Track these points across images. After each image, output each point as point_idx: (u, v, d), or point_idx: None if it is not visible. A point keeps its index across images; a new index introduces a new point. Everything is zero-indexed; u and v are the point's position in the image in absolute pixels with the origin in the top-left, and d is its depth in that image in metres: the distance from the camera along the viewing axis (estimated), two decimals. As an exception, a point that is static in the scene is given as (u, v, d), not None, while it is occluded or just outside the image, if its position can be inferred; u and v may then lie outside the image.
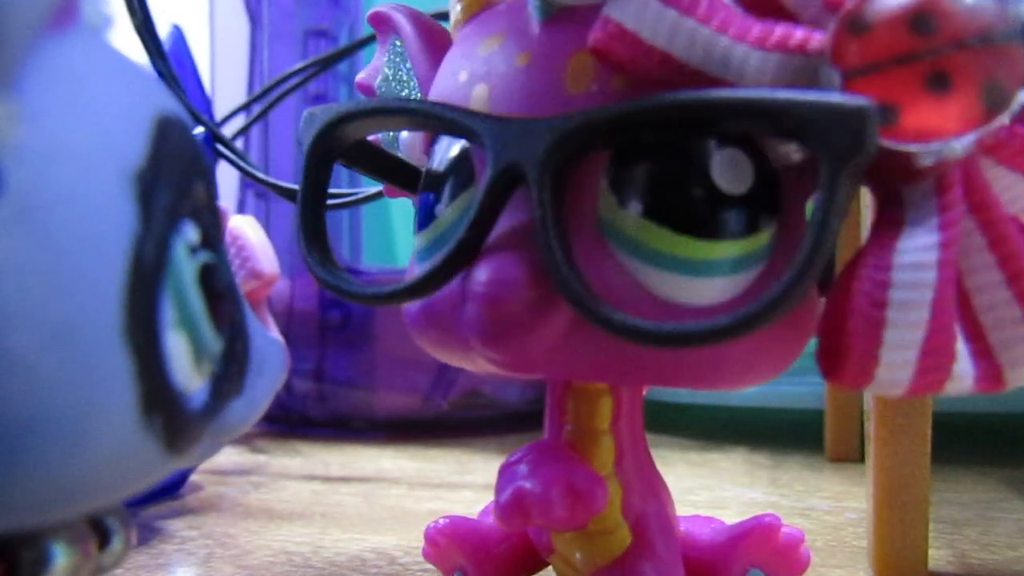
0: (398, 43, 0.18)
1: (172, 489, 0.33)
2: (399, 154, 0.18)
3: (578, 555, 0.16)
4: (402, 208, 0.53)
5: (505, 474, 0.15)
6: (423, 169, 0.16)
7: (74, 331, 0.09)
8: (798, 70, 0.12)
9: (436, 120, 0.14)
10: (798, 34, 0.12)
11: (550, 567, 0.18)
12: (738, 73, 0.12)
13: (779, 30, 0.12)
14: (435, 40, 0.17)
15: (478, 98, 0.14)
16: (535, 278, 0.13)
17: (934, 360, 0.12)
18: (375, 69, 0.18)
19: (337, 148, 0.16)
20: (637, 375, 0.14)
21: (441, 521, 0.19)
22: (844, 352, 0.12)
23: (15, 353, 0.09)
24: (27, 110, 0.09)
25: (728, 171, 0.13)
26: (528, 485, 0.14)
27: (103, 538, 0.12)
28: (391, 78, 0.18)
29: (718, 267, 0.13)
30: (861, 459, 0.32)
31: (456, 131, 0.14)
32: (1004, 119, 0.12)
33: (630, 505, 0.16)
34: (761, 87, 0.12)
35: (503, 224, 0.14)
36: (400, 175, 0.17)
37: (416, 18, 0.18)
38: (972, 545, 0.26)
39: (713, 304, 0.13)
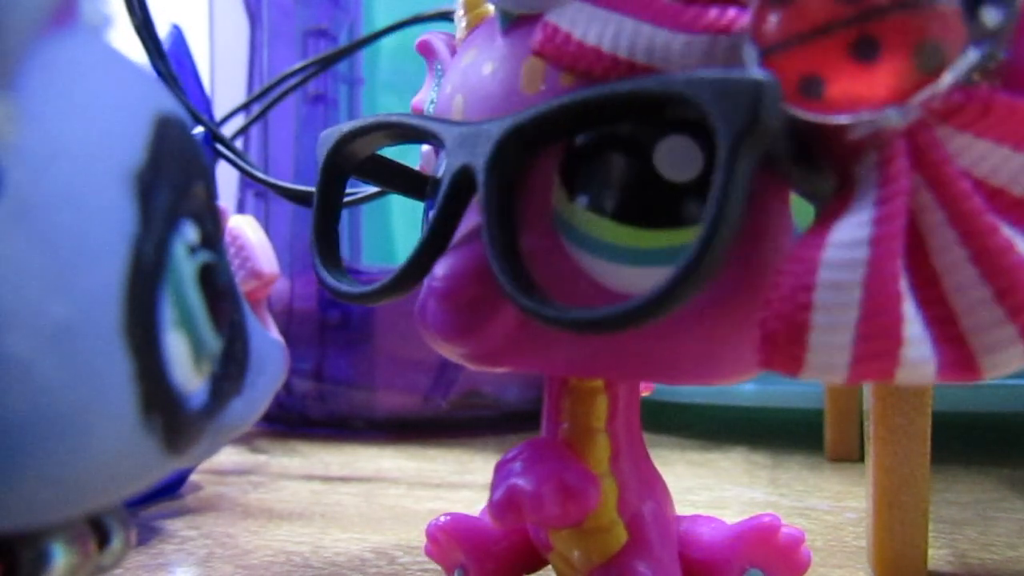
0: (438, 67, 0.19)
1: (172, 489, 0.33)
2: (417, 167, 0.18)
3: (575, 553, 0.16)
4: (402, 208, 0.53)
5: (500, 471, 0.15)
6: None
7: (73, 331, 0.09)
8: (724, 51, 0.12)
9: (412, 131, 0.15)
10: (730, 14, 0.12)
11: (550, 565, 0.18)
12: (664, 60, 0.12)
13: (711, 13, 0.12)
14: None
15: (456, 108, 0.15)
16: (482, 275, 0.13)
17: (874, 345, 0.11)
18: (425, 93, 0.19)
19: (348, 164, 0.16)
20: (592, 367, 0.14)
21: (442, 518, 0.19)
22: (771, 337, 0.11)
23: (14, 353, 0.09)
24: (27, 110, 0.09)
25: (674, 159, 0.13)
26: (521, 482, 0.15)
27: (103, 538, 0.12)
28: (434, 101, 0.19)
29: (664, 256, 0.13)
30: (861, 459, 0.32)
31: (427, 140, 0.15)
32: (947, 82, 0.11)
33: (626, 503, 0.16)
34: (659, 75, 0.12)
35: (465, 224, 0.14)
36: (414, 185, 0.18)
37: (452, 43, 0.18)
38: (972, 545, 0.26)
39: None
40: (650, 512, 0.16)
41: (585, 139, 0.13)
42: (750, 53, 0.12)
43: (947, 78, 0.11)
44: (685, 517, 0.19)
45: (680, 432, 0.47)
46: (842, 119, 0.11)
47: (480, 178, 0.13)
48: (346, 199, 0.33)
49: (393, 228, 0.53)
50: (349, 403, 0.50)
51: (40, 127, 0.09)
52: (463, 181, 0.14)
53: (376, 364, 0.50)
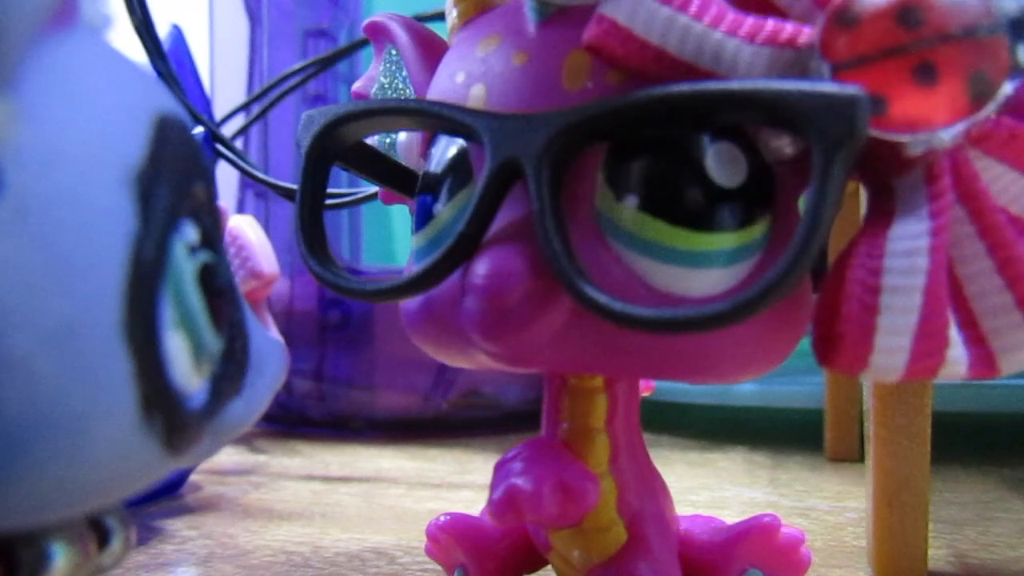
0: (394, 52, 0.18)
1: (172, 489, 0.33)
2: (396, 158, 0.18)
3: (575, 552, 0.16)
4: (402, 208, 0.53)
5: (500, 471, 0.15)
6: (420, 172, 0.16)
7: (73, 331, 0.09)
8: (788, 63, 0.12)
9: (435, 119, 0.15)
10: (788, 29, 0.12)
11: (550, 565, 0.18)
12: (730, 67, 0.12)
13: (769, 25, 0.12)
14: (430, 48, 0.18)
15: (476, 97, 0.15)
16: (535, 270, 0.13)
17: (928, 345, 0.12)
18: (371, 78, 0.19)
19: (336, 149, 0.16)
20: (635, 367, 0.14)
21: (443, 518, 0.19)
22: (839, 338, 0.12)
23: (14, 353, 0.09)
24: (27, 110, 0.09)
25: (722, 164, 0.13)
26: (520, 482, 0.15)
27: (103, 538, 0.12)
28: (387, 86, 0.18)
29: (713, 258, 0.13)
30: (861, 459, 0.32)
31: (454, 129, 0.14)
32: (989, 111, 0.12)
33: (626, 503, 0.16)
34: (755, 78, 0.12)
35: (502, 219, 0.14)
36: (397, 178, 0.18)
37: (411, 27, 0.18)
38: (972, 545, 0.26)
39: (708, 295, 0.13)
40: (650, 512, 0.16)
41: (635, 140, 0.13)
42: (821, 69, 0.12)
43: (990, 107, 0.12)
44: (685, 517, 0.19)
45: (680, 432, 0.47)
46: (904, 137, 0.12)
47: (531, 170, 0.13)
48: (346, 199, 0.33)
49: (393, 228, 0.53)
50: (349, 403, 0.50)
51: (40, 127, 0.09)
52: (508, 172, 0.13)
53: (376, 364, 0.50)
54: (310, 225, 0.16)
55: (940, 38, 0.11)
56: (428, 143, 0.16)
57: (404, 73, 0.18)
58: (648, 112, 0.13)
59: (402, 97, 0.18)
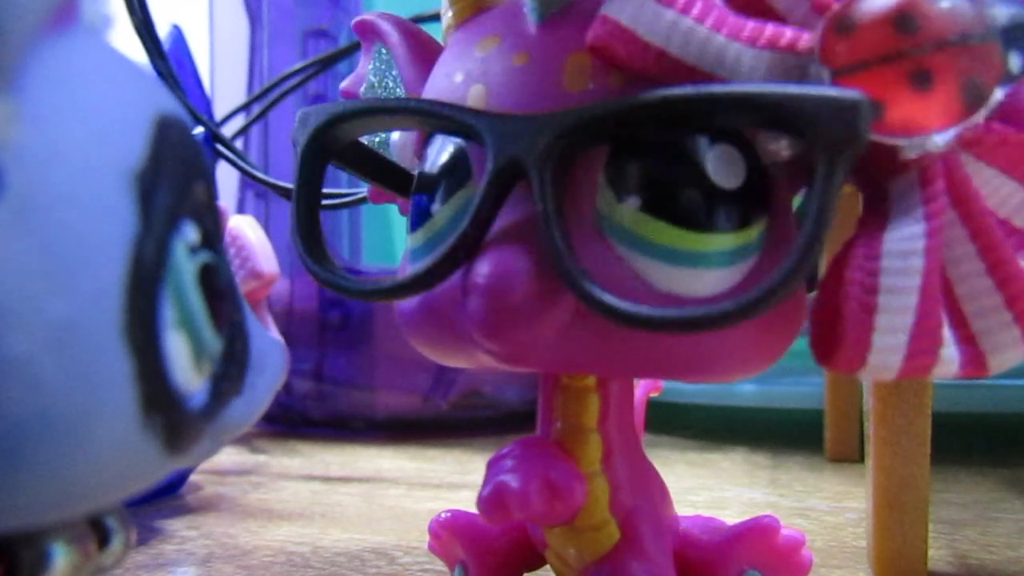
0: (383, 51, 0.18)
1: (172, 489, 0.33)
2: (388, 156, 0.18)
3: (570, 551, 0.16)
4: (402, 208, 0.53)
5: (491, 468, 0.15)
6: (415, 172, 0.16)
7: (74, 331, 0.09)
8: (789, 68, 0.12)
9: (435, 118, 0.15)
10: (788, 34, 0.13)
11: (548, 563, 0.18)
12: (732, 70, 0.13)
13: (769, 29, 0.13)
14: (423, 48, 0.18)
15: (475, 98, 0.15)
16: (538, 270, 0.13)
17: (923, 344, 0.12)
18: (359, 77, 0.19)
19: (332, 148, 0.16)
20: (635, 367, 0.14)
21: (444, 515, 0.19)
22: (838, 338, 0.13)
23: (15, 353, 0.09)
24: (27, 110, 0.09)
25: (722, 166, 0.13)
26: (508, 479, 0.15)
27: (103, 538, 0.12)
28: (376, 86, 0.18)
29: (713, 259, 0.13)
30: (861, 459, 0.32)
31: (455, 128, 0.14)
32: (981, 116, 0.12)
33: (619, 502, 0.16)
34: (759, 82, 0.12)
35: (503, 219, 0.14)
36: (392, 178, 0.18)
37: (402, 26, 0.18)
38: (972, 545, 0.26)
39: (708, 295, 0.13)
40: (644, 511, 0.16)
41: (636, 141, 0.13)
42: (821, 74, 0.12)
43: (982, 113, 0.12)
44: (685, 517, 0.19)
45: (680, 432, 0.47)
46: (900, 141, 0.12)
47: (534, 170, 0.13)
48: (346, 199, 0.33)
49: (393, 228, 0.53)
50: (349, 403, 0.50)
51: (40, 127, 0.09)
52: (510, 173, 0.13)
53: (376, 364, 0.50)
54: (307, 224, 0.15)
55: (936, 45, 0.12)
56: (424, 143, 0.16)
57: (395, 72, 0.18)
58: (652, 114, 0.13)
59: (393, 96, 0.18)
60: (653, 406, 0.22)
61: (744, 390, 0.46)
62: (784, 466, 0.39)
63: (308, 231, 0.15)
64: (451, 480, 0.36)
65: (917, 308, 0.12)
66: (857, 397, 0.38)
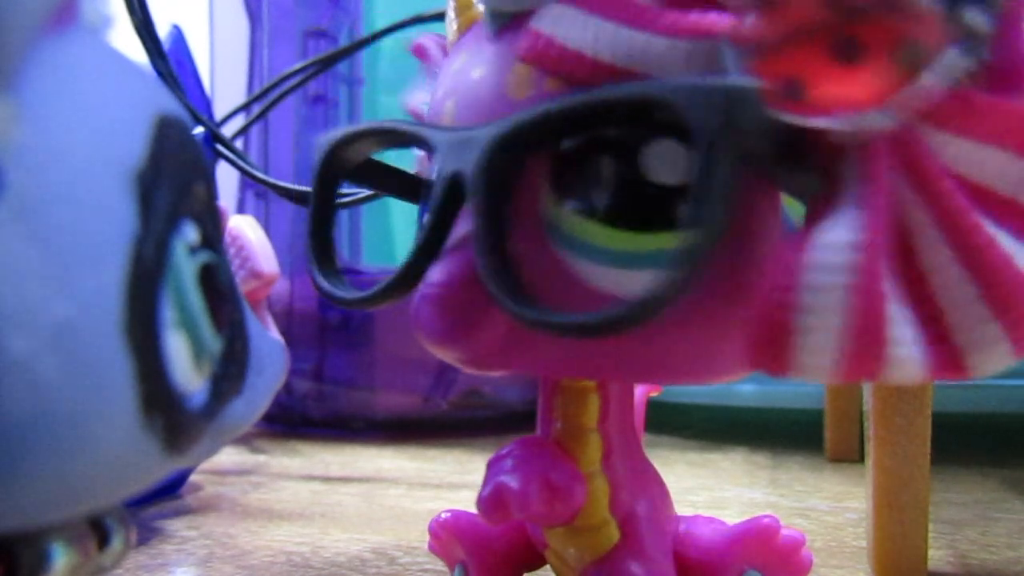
0: (433, 71, 0.18)
1: (172, 489, 0.33)
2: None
3: (570, 551, 0.16)
4: (402, 208, 0.53)
5: (491, 469, 0.16)
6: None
7: (74, 331, 0.09)
8: (706, 55, 0.12)
9: (402, 137, 0.15)
10: (710, 18, 0.12)
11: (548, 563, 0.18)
12: (644, 64, 0.12)
13: (691, 18, 0.12)
14: None
15: (448, 112, 0.15)
16: (476, 279, 0.13)
17: (858, 345, 0.11)
18: (421, 96, 0.19)
19: (343, 169, 0.16)
20: (583, 369, 0.14)
21: (444, 515, 0.19)
22: (758, 338, 0.12)
23: (15, 353, 0.09)
24: (27, 110, 0.09)
25: (661, 163, 0.13)
26: (508, 480, 0.15)
27: (103, 538, 0.12)
28: (429, 104, 0.19)
29: (652, 259, 0.13)
30: (861, 459, 0.32)
31: (418, 145, 0.15)
32: (929, 83, 0.11)
33: (619, 502, 0.16)
34: (638, 80, 0.12)
35: (458, 230, 0.14)
36: (408, 188, 0.18)
37: (444, 47, 0.18)
38: (972, 545, 0.26)
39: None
40: (643, 511, 0.16)
41: (573, 144, 0.13)
42: (731, 57, 0.12)
43: (928, 79, 0.11)
44: (685, 517, 0.19)
45: (680, 432, 0.47)
46: (822, 122, 0.11)
47: (470, 185, 0.13)
48: (345, 199, 0.33)
49: (393, 228, 0.53)
50: (349, 403, 0.50)
51: (40, 127, 0.09)
52: (454, 187, 0.14)
53: (376, 364, 0.50)
54: (320, 241, 0.16)
55: (861, 10, 0.11)
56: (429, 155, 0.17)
57: None
58: (559, 120, 0.13)
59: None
60: (653, 406, 0.22)
61: (744, 390, 0.46)
62: (784, 466, 0.39)
63: (320, 246, 0.16)
64: (451, 480, 0.36)
65: (845, 305, 0.11)
66: (857, 397, 0.38)
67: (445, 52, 0.18)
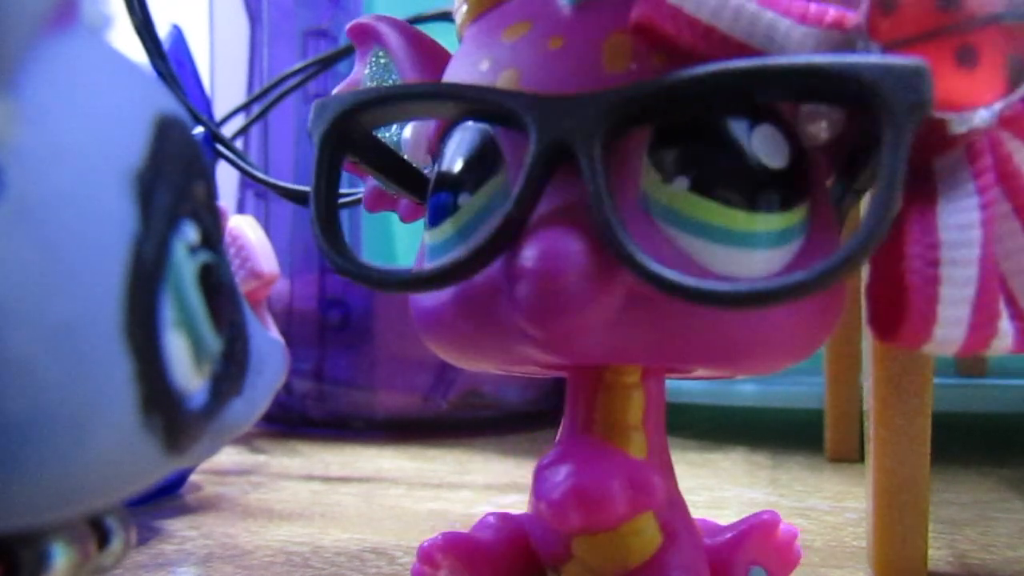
0: (381, 54, 0.18)
1: (172, 489, 0.33)
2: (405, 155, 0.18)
3: (604, 559, 0.15)
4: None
5: (546, 474, 0.14)
6: (426, 170, 0.16)
7: (74, 331, 0.09)
8: (837, 44, 0.13)
9: (469, 102, 0.14)
10: (832, 11, 0.13)
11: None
12: (782, 46, 0.13)
13: (813, 7, 0.13)
14: (425, 49, 0.17)
15: (507, 82, 0.14)
16: (590, 250, 0.13)
17: (984, 316, 0.12)
18: (355, 82, 0.18)
19: (351, 138, 0.15)
20: (686, 355, 0.14)
21: (439, 538, 0.18)
22: (904, 311, 0.13)
23: (15, 353, 0.09)
24: (27, 110, 0.09)
25: (767, 146, 0.13)
26: (585, 481, 0.14)
27: (103, 538, 0.12)
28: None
29: (761, 239, 0.13)
30: (861, 459, 0.32)
31: (491, 112, 0.14)
32: (1019, 94, 0.12)
33: (660, 504, 0.15)
34: (820, 53, 0.13)
35: (546, 203, 0.13)
36: (404, 177, 0.17)
37: (402, 28, 0.18)
38: (972, 545, 0.26)
39: (756, 276, 0.13)
40: (680, 513, 0.16)
41: (679, 122, 0.13)
42: (872, 49, 0.12)
43: (1021, 90, 0.12)
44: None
45: (680, 432, 0.47)
46: (949, 116, 0.12)
47: (582, 150, 0.13)
48: (346, 199, 0.33)
49: (393, 228, 0.53)
50: (349, 403, 0.50)
51: (40, 127, 0.09)
52: (556, 154, 0.13)
53: (376, 364, 0.50)
54: (326, 217, 0.15)
55: (977, 21, 0.12)
56: (440, 138, 0.16)
57: (395, 76, 0.18)
58: (707, 89, 0.13)
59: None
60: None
61: (744, 390, 0.46)
62: (784, 466, 0.39)
63: (328, 224, 0.15)
64: (451, 480, 0.36)
65: (978, 279, 0.12)
66: (857, 397, 0.38)
67: (409, 35, 0.17)
